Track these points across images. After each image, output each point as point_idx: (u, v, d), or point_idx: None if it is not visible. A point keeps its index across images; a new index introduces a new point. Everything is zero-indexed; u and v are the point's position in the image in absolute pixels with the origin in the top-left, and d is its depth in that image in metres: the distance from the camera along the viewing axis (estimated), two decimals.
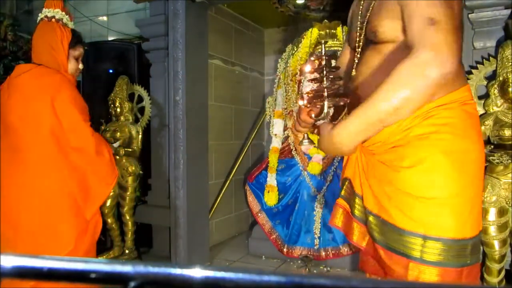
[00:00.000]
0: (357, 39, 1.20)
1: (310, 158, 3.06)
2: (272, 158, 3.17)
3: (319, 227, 2.92)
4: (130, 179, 2.92)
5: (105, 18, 4.03)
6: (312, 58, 1.22)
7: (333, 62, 1.23)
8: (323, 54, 1.15)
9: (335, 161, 2.96)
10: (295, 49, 3.32)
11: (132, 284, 0.33)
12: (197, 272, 0.34)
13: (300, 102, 1.19)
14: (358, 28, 1.19)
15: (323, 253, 2.90)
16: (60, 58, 1.79)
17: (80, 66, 1.91)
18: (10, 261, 0.34)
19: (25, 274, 0.34)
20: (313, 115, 1.21)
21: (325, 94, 1.16)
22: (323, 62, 1.15)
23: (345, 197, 1.27)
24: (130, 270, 0.34)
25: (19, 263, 0.34)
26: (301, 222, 3.00)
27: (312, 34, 3.27)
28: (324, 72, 1.15)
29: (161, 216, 2.98)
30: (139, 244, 3.10)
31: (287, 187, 3.10)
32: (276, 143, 3.26)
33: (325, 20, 3.29)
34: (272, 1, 3.24)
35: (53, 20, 1.81)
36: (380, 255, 1.13)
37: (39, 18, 1.87)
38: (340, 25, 3.20)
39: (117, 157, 2.87)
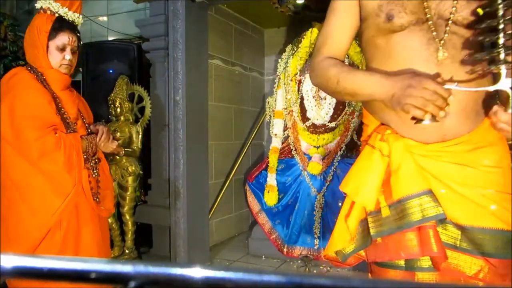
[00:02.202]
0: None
1: (310, 158, 3.06)
2: (272, 158, 3.17)
3: (319, 227, 2.92)
4: (130, 179, 2.93)
5: (105, 18, 4.03)
6: None
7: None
8: None
9: (334, 161, 2.97)
10: (295, 49, 3.32)
11: (132, 284, 0.33)
12: (197, 272, 0.34)
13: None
14: None
15: (323, 253, 2.90)
16: (40, 55, 1.60)
17: (67, 56, 1.64)
18: (10, 261, 0.34)
19: (25, 274, 0.34)
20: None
21: (502, 52, 0.84)
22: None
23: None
24: (130, 270, 0.34)
25: (19, 263, 0.34)
26: (301, 222, 3.00)
27: (312, 34, 3.27)
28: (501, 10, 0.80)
29: (161, 216, 2.98)
30: (139, 244, 3.10)
31: (287, 187, 3.10)
32: (276, 143, 3.26)
33: None
34: (272, 1, 3.24)
35: (41, 11, 1.62)
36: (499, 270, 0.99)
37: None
38: None
39: (117, 157, 2.88)
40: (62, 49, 1.64)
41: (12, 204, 1.55)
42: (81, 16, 1.74)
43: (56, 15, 1.63)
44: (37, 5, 1.63)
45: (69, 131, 1.66)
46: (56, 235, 1.57)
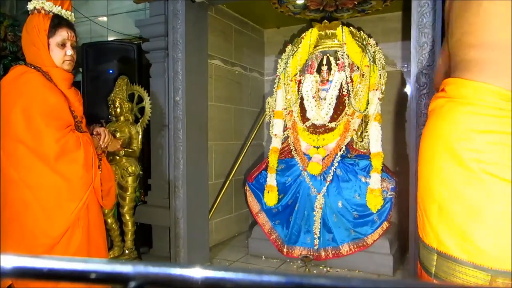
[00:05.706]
0: None
1: (310, 158, 3.06)
2: (271, 158, 3.17)
3: (319, 227, 2.92)
4: (130, 179, 2.92)
5: (105, 18, 4.03)
6: None
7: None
8: None
9: (334, 161, 2.96)
10: (295, 49, 3.32)
11: (132, 284, 0.33)
12: (197, 272, 0.34)
13: None
14: None
15: (323, 253, 2.90)
16: (43, 53, 1.62)
17: (68, 52, 1.67)
18: (10, 261, 0.34)
19: (25, 274, 0.34)
20: None
21: None
22: None
23: None
24: (130, 270, 0.34)
25: (19, 263, 0.34)
26: (301, 222, 3.00)
27: (312, 34, 3.27)
28: None
29: (161, 216, 2.98)
30: (139, 244, 3.10)
31: (286, 187, 3.09)
32: (276, 143, 3.26)
33: (325, 21, 3.29)
34: (272, 1, 3.24)
35: (35, 12, 1.64)
36: None
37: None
38: (340, 25, 3.20)
39: (117, 157, 2.88)
40: (62, 45, 1.67)
41: (26, 205, 1.55)
42: (73, 14, 1.77)
43: (51, 14, 1.66)
44: (30, 6, 1.66)
45: (79, 130, 1.68)
46: (76, 233, 1.61)
